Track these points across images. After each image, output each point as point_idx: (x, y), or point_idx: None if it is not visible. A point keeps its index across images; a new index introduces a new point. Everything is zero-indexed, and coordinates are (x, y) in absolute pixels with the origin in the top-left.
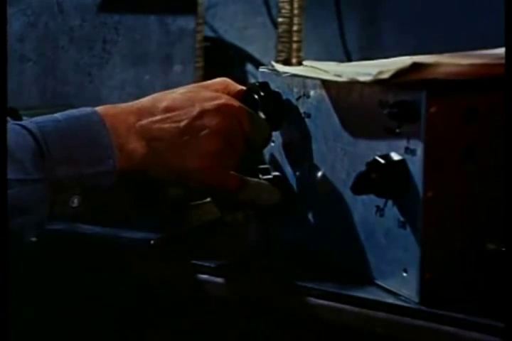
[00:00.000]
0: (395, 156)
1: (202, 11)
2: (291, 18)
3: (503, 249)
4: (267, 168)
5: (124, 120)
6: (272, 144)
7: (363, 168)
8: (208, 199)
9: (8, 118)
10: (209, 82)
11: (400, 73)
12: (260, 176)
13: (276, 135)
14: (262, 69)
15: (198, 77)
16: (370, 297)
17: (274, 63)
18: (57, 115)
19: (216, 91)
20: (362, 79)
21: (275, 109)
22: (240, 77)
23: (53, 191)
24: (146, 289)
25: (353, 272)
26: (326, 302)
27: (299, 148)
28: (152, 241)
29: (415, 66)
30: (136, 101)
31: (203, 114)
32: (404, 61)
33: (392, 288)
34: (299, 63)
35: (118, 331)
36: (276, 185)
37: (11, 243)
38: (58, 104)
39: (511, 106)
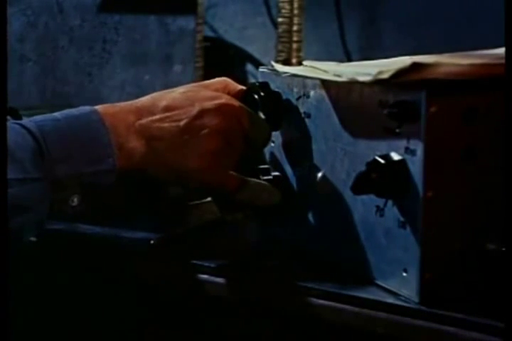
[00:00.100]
0: (395, 156)
1: (202, 11)
2: (291, 18)
3: (503, 249)
4: (267, 168)
5: (123, 119)
6: (272, 144)
7: (363, 167)
8: (208, 199)
9: (8, 117)
10: (209, 81)
11: (400, 73)
12: (260, 177)
13: (276, 135)
14: (262, 69)
15: (198, 77)
16: (371, 297)
17: (274, 63)
18: (57, 114)
19: (216, 90)
20: (362, 79)
21: (275, 109)
22: (240, 77)
23: (53, 190)
24: (146, 289)
25: (353, 272)
26: (326, 302)
27: (299, 148)
28: (152, 241)
29: (415, 66)
30: (136, 101)
31: (202, 113)
32: (404, 61)
33: (392, 288)
34: (299, 63)
35: (118, 331)
36: (276, 185)
37: (10, 242)
38: (58, 104)
39: (511, 106)
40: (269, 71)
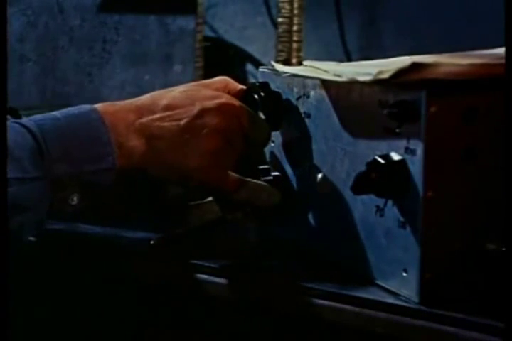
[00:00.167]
0: (395, 156)
1: (202, 11)
2: (291, 18)
3: (503, 249)
4: (267, 169)
5: (123, 118)
6: (272, 144)
7: (363, 167)
8: (209, 199)
9: (8, 117)
10: (209, 80)
11: (400, 73)
12: (261, 177)
13: (276, 135)
14: (262, 69)
15: (198, 77)
16: (371, 297)
17: (274, 63)
18: (56, 113)
19: (216, 89)
20: (362, 79)
21: (275, 109)
22: (240, 77)
23: (52, 189)
24: (146, 289)
25: (353, 272)
26: (326, 302)
27: (299, 148)
28: (152, 241)
29: (415, 66)
30: (136, 99)
31: (203, 112)
32: (404, 61)
33: (392, 288)
34: (299, 63)
35: (118, 331)
36: (276, 186)
37: (10, 242)
38: (58, 104)
39: (511, 106)
40: (269, 71)
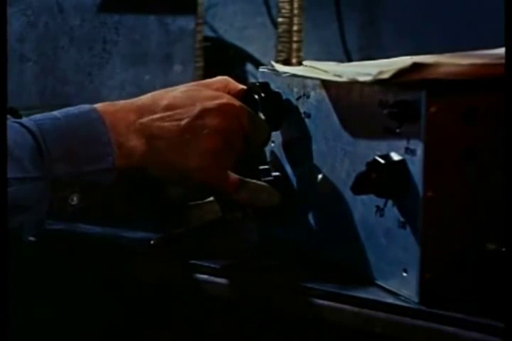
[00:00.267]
0: (395, 156)
1: (202, 11)
2: (291, 18)
3: (503, 249)
4: (267, 169)
5: (123, 117)
6: (272, 144)
7: (363, 167)
8: (209, 199)
9: (8, 116)
10: (209, 80)
11: (400, 73)
12: (261, 178)
13: (276, 135)
14: (262, 69)
15: (198, 77)
16: (370, 297)
17: (274, 63)
18: (56, 113)
19: (217, 90)
20: (362, 79)
21: (275, 109)
22: (240, 77)
23: (52, 189)
24: (146, 289)
25: (353, 272)
26: (326, 302)
27: (299, 148)
28: (152, 241)
29: (415, 66)
30: (136, 99)
31: (204, 113)
32: (405, 61)
33: (392, 288)
34: (299, 63)
35: (118, 331)
36: (276, 186)
37: (10, 242)
38: (58, 104)
39: (511, 106)
40: (269, 71)
